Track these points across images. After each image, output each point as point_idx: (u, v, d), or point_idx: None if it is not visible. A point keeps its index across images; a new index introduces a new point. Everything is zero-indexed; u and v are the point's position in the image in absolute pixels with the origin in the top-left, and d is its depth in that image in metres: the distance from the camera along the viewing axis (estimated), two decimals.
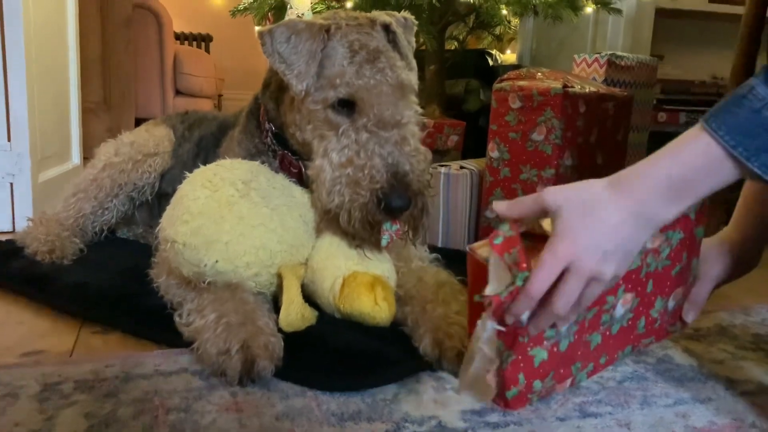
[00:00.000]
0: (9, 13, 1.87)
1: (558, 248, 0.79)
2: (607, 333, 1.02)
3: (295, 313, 1.11)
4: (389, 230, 1.18)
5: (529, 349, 0.91)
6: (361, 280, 1.16)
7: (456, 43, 3.08)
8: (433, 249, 1.46)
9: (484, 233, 1.83)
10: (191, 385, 0.99)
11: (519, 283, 0.82)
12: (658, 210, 0.80)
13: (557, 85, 1.68)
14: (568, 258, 0.79)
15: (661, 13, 3.04)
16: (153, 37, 4.18)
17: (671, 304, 1.08)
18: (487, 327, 0.85)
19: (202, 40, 6.40)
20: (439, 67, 2.52)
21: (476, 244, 0.89)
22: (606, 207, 0.80)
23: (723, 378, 1.10)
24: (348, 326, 1.16)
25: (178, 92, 4.50)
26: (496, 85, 1.78)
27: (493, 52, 3.25)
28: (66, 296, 1.31)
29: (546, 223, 0.88)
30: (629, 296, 1.01)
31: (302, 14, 2.03)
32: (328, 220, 1.22)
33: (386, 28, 1.28)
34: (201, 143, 1.65)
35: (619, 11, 2.27)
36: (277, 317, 1.12)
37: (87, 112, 2.99)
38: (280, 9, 2.37)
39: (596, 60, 2.22)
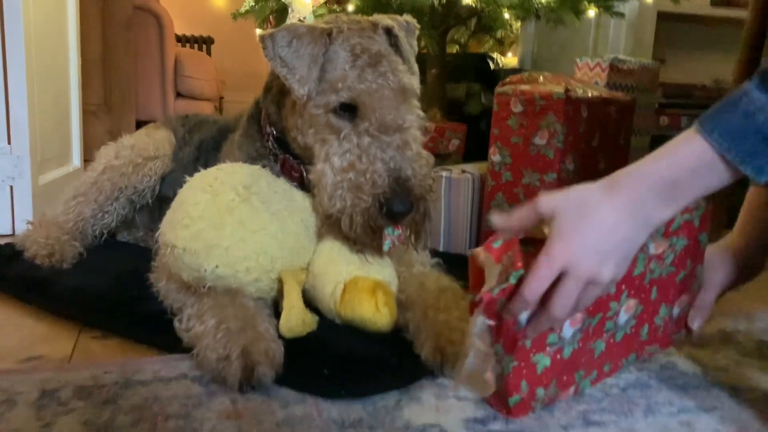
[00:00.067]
0: (9, 15, 1.87)
1: (554, 251, 0.79)
2: (611, 340, 1.01)
3: (296, 319, 1.11)
4: (391, 235, 1.18)
5: (532, 355, 0.90)
6: (363, 286, 1.15)
7: (457, 46, 3.07)
8: (434, 253, 1.45)
9: (486, 238, 1.82)
10: (191, 392, 0.98)
11: (512, 281, 0.82)
12: (652, 210, 0.80)
13: (559, 89, 1.67)
14: (565, 261, 0.78)
15: (662, 17, 3.04)
16: (154, 39, 4.18)
17: (676, 311, 1.07)
18: (478, 322, 0.85)
19: (204, 43, 6.41)
20: (440, 70, 2.51)
21: (478, 249, 0.88)
22: (601, 207, 0.79)
23: (727, 386, 1.09)
24: (349, 332, 1.16)
25: (178, 95, 4.49)
26: (498, 89, 1.77)
27: (495, 55, 3.25)
28: (65, 301, 1.31)
29: (547, 229, 0.88)
30: (632, 303, 1.00)
31: (304, 18, 2.02)
32: (330, 225, 1.21)
33: (388, 31, 1.28)
34: (202, 147, 1.64)
35: (621, 15, 2.26)
36: (278, 323, 1.11)
37: (87, 114, 2.99)
38: (282, 12, 2.37)
39: (598, 64, 2.21)
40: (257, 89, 1.42)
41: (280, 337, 1.07)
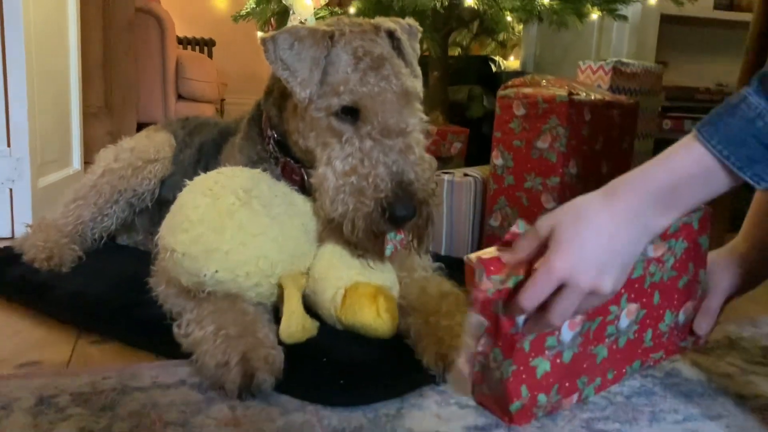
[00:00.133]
0: (9, 18, 1.86)
1: (553, 264, 0.78)
2: (614, 346, 1.00)
3: (296, 325, 1.09)
4: (393, 240, 1.17)
5: (530, 359, 0.89)
6: (363, 291, 1.14)
7: (459, 49, 3.06)
8: (436, 257, 1.44)
9: (488, 241, 1.81)
10: (189, 399, 0.96)
11: (510, 284, 0.82)
12: (652, 218, 0.79)
13: (562, 92, 1.66)
14: (564, 273, 0.78)
15: (665, 20, 3.03)
16: (155, 42, 4.17)
17: (681, 317, 1.06)
18: (472, 320, 0.85)
19: (205, 45, 6.41)
20: (442, 73, 2.50)
21: (473, 255, 0.88)
22: (599, 216, 0.79)
23: (733, 393, 1.07)
24: (350, 338, 1.14)
25: (180, 97, 4.49)
26: (501, 92, 1.76)
27: (497, 58, 3.24)
28: (63, 305, 1.29)
29: None
30: (633, 307, 0.99)
31: (305, 20, 2.01)
32: (331, 230, 1.20)
33: (390, 34, 1.27)
34: (202, 149, 1.63)
35: (624, 17, 2.25)
36: (278, 328, 1.10)
37: (88, 117, 2.98)
38: (283, 14, 2.36)
39: (601, 67, 2.20)
40: (258, 92, 1.40)
41: (280, 343, 1.06)
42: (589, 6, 2.11)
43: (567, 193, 1.68)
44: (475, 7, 1.99)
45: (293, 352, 1.05)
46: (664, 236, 0.98)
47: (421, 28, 1.36)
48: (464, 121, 2.65)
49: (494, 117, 1.79)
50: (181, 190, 1.20)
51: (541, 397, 0.91)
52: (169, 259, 1.14)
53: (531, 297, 0.80)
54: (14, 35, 1.87)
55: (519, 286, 0.82)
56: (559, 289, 0.79)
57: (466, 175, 1.86)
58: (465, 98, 2.82)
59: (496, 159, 1.77)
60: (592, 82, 2.23)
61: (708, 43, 3.41)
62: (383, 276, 1.20)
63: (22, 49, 1.88)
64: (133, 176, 1.60)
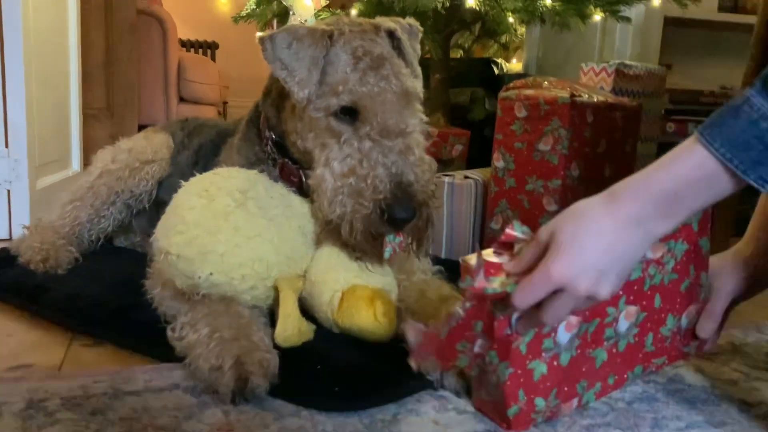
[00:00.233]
0: (7, 18, 1.85)
1: (552, 268, 0.77)
2: (614, 350, 0.98)
3: (292, 328, 1.07)
4: (392, 242, 1.14)
5: (527, 362, 0.88)
6: (361, 294, 1.12)
7: (461, 51, 3.05)
8: (436, 260, 1.42)
9: (489, 244, 1.79)
10: (182, 403, 0.94)
11: (508, 289, 0.81)
12: (653, 223, 0.78)
13: (564, 94, 1.64)
14: (562, 279, 0.77)
15: (669, 22, 3.01)
16: (157, 44, 4.16)
17: (684, 322, 1.04)
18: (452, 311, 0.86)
19: (208, 48, 6.41)
20: (444, 75, 2.48)
21: (468, 256, 0.86)
22: (600, 221, 0.78)
23: (737, 400, 1.05)
24: (347, 342, 1.12)
25: (181, 99, 4.48)
26: (502, 94, 1.74)
27: (499, 60, 3.22)
28: (57, 308, 1.28)
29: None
30: (632, 309, 0.97)
31: (305, 21, 2.00)
32: (329, 232, 1.18)
33: (391, 34, 1.25)
34: (200, 151, 1.62)
35: (628, 19, 2.23)
36: (273, 332, 1.08)
37: (90, 119, 2.98)
38: (284, 16, 2.35)
39: (604, 69, 2.18)
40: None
41: (276, 346, 1.04)
42: (591, 7, 2.09)
43: (569, 195, 1.66)
44: (477, 8, 1.98)
45: (289, 356, 1.03)
46: (663, 237, 0.96)
47: (421, 28, 1.35)
48: (466, 124, 2.63)
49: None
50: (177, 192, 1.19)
51: (539, 401, 0.89)
52: (163, 261, 1.12)
53: (526, 297, 0.79)
54: (12, 36, 1.86)
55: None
56: (556, 290, 0.78)
57: (466, 177, 1.84)
58: (467, 101, 2.81)
59: (497, 161, 1.75)
60: (594, 84, 2.22)
61: (712, 46, 3.39)
62: (382, 279, 1.18)
63: (21, 49, 1.87)
64: (131, 177, 1.59)
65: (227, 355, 0.96)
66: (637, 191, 0.78)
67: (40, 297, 1.33)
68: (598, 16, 2.18)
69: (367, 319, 1.10)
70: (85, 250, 1.62)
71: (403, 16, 1.38)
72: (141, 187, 1.60)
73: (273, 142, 1.33)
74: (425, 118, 1.22)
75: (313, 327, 1.13)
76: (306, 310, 1.18)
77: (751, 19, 2.05)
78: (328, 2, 2.25)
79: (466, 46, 3.10)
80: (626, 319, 0.97)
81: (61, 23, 2.30)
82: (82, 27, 2.51)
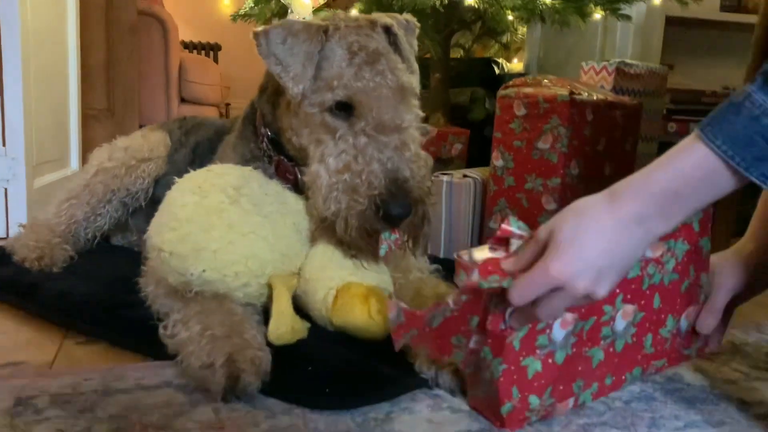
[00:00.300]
0: (5, 18, 1.84)
1: (551, 268, 0.76)
2: (611, 349, 0.96)
3: (285, 326, 1.06)
4: (388, 239, 1.13)
5: (521, 358, 0.86)
6: (355, 292, 1.10)
7: (462, 51, 3.03)
8: (434, 260, 1.41)
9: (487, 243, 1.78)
10: (173, 401, 0.93)
11: (505, 284, 0.80)
12: (654, 223, 0.77)
13: (564, 92, 1.63)
14: (561, 279, 0.76)
15: (671, 22, 2.99)
16: (158, 45, 4.16)
17: (684, 324, 1.02)
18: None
19: (211, 49, 6.40)
20: (444, 75, 2.47)
21: (464, 251, 0.85)
22: (600, 219, 0.77)
23: (736, 400, 1.04)
24: (341, 340, 1.11)
25: (183, 100, 4.47)
26: (501, 92, 1.73)
27: (500, 60, 3.21)
28: (51, 305, 1.27)
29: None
30: (630, 308, 0.95)
31: (303, 19, 1.99)
32: (324, 229, 1.17)
33: (387, 30, 1.24)
34: (197, 149, 1.61)
35: (628, 17, 2.22)
36: (267, 330, 1.06)
37: (90, 119, 2.97)
38: (283, 15, 2.33)
39: (604, 68, 2.17)
40: None
41: (269, 344, 1.03)
42: (591, 5, 2.08)
43: (568, 194, 1.64)
44: (476, 5, 1.96)
45: (282, 353, 1.02)
46: (663, 236, 0.95)
47: (419, 24, 1.34)
48: (466, 124, 2.61)
49: None
50: None
51: (533, 399, 0.88)
52: (156, 259, 1.11)
53: (523, 295, 0.78)
54: (10, 35, 1.85)
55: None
56: (552, 290, 0.77)
57: (465, 176, 1.83)
58: (467, 101, 2.79)
59: (497, 160, 1.74)
60: (595, 83, 2.20)
61: (715, 46, 3.37)
62: (377, 277, 1.17)
63: (19, 49, 1.86)
64: (127, 175, 1.58)
65: (219, 352, 0.95)
66: (638, 190, 0.77)
67: (34, 295, 1.32)
68: (598, 14, 2.16)
69: (362, 316, 1.08)
70: (81, 249, 1.61)
71: (402, 14, 1.37)
72: (137, 185, 1.59)
73: (269, 139, 1.32)
74: (421, 114, 1.21)
75: (307, 325, 1.12)
76: (301, 308, 1.16)
77: (754, 19, 2.03)
78: (326, 0, 2.24)
79: (467, 46, 3.09)
80: (623, 318, 0.95)
81: (60, 22, 2.29)
82: (82, 27, 2.51)
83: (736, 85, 3.17)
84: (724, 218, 1.98)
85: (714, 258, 1.06)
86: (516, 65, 3.53)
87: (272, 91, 1.30)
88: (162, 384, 0.98)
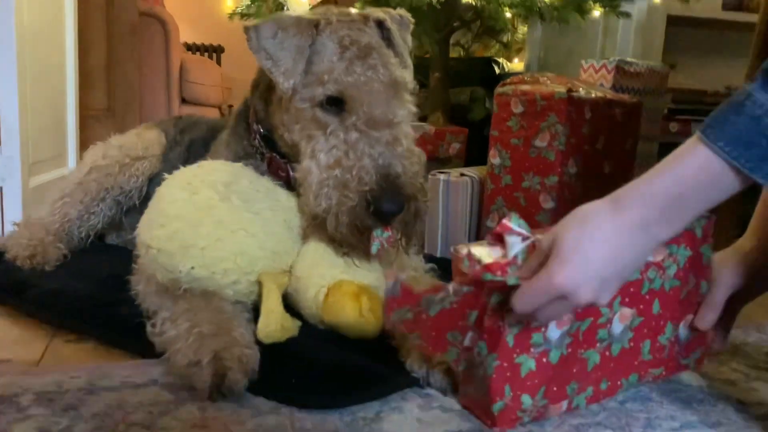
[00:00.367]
0: (0, 17, 1.83)
1: (555, 278, 0.75)
2: (607, 353, 0.94)
3: (275, 324, 1.05)
4: (380, 237, 1.11)
5: (515, 356, 0.85)
6: (346, 290, 1.09)
7: (461, 50, 3.02)
8: (431, 259, 1.40)
9: None
10: (159, 399, 0.92)
11: (510, 282, 0.78)
12: (658, 229, 0.77)
13: (561, 89, 1.61)
14: (566, 288, 0.75)
15: (673, 21, 2.97)
16: (159, 45, 4.15)
17: (682, 332, 1.00)
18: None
19: (214, 51, 6.40)
20: (443, 74, 2.46)
21: (461, 246, 0.83)
22: (604, 226, 0.76)
23: (734, 400, 1.01)
24: (331, 338, 1.09)
25: (184, 101, 4.46)
26: (498, 90, 1.71)
27: (501, 60, 3.19)
28: (40, 303, 1.25)
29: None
30: (628, 312, 0.93)
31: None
32: (316, 226, 1.15)
33: (380, 24, 1.23)
34: (191, 147, 1.60)
35: (627, 15, 2.20)
36: (256, 328, 1.05)
37: (90, 119, 2.96)
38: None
39: (604, 66, 2.15)
40: None
41: (259, 342, 1.01)
42: (591, 3, 2.06)
43: (566, 192, 1.62)
44: (474, 2, 1.95)
45: (271, 352, 1.00)
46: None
47: (413, 20, 1.32)
48: (466, 124, 2.60)
49: None
50: None
51: (526, 399, 0.86)
52: (145, 256, 1.10)
53: (527, 303, 0.78)
54: (5, 33, 1.84)
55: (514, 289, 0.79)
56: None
57: (462, 174, 1.81)
58: (467, 100, 2.77)
59: (494, 158, 1.72)
60: (594, 81, 2.18)
61: (717, 45, 3.35)
62: (369, 275, 1.15)
63: (14, 47, 1.85)
64: (121, 173, 1.56)
65: (205, 350, 0.93)
66: (642, 196, 0.76)
67: (24, 292, 1.30)
68: (597, 12, 2.14)
69: (353, 314, 1.07)
70: (74, 247, 1.59)
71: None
72: (131, 183, 1.57)
73: (261, 135, 1.30)
74: (415, 109, 1.20)
75: (297, 323, 1.10)
76: (291, 306, 1.15)
77: (756, 18, 2.01)
78: None
79: (467, 45, 3.07)
80: (620, 321, 0.93)
81: (58, 22, 2.28)
82: (82, 28, 2.50)
83: (739, 85, 3.15)
84: (725, 219, 1.96)
85: (714, 255, 1.04)
86: (517, 65, 3.52)
87: (264, 87, 1.29)
88: (149, 382, 0.97)
